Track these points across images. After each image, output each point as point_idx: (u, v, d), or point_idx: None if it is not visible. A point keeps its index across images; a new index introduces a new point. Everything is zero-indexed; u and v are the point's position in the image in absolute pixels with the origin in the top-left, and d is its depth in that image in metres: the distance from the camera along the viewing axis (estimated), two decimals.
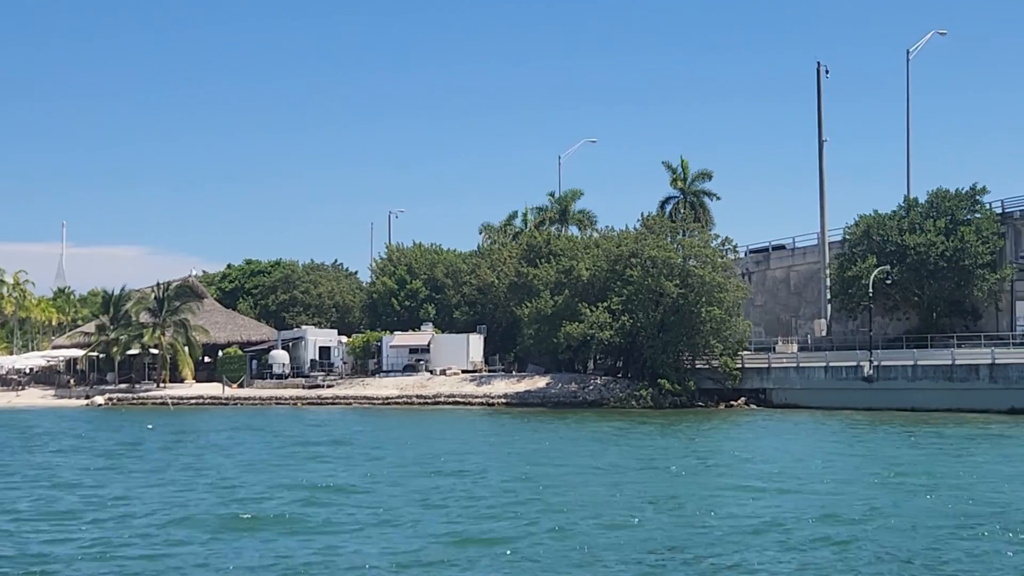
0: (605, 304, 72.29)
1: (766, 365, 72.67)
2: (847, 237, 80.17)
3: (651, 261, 72.49)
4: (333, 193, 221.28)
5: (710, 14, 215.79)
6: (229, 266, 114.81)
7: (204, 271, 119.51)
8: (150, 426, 51.51)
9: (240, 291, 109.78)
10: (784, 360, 72.77)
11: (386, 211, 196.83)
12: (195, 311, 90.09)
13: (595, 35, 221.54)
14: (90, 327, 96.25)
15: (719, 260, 73.21)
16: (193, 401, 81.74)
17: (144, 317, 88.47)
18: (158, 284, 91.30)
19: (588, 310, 72.41)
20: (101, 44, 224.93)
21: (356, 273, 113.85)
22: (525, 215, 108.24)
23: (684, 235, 75.13)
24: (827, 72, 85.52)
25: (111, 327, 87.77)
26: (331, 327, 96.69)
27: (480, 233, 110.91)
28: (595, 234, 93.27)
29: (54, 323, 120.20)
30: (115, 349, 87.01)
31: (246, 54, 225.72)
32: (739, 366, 72.46)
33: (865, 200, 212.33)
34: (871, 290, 71.63)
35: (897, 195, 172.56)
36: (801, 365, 70.93)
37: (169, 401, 79.71)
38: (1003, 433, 49.01)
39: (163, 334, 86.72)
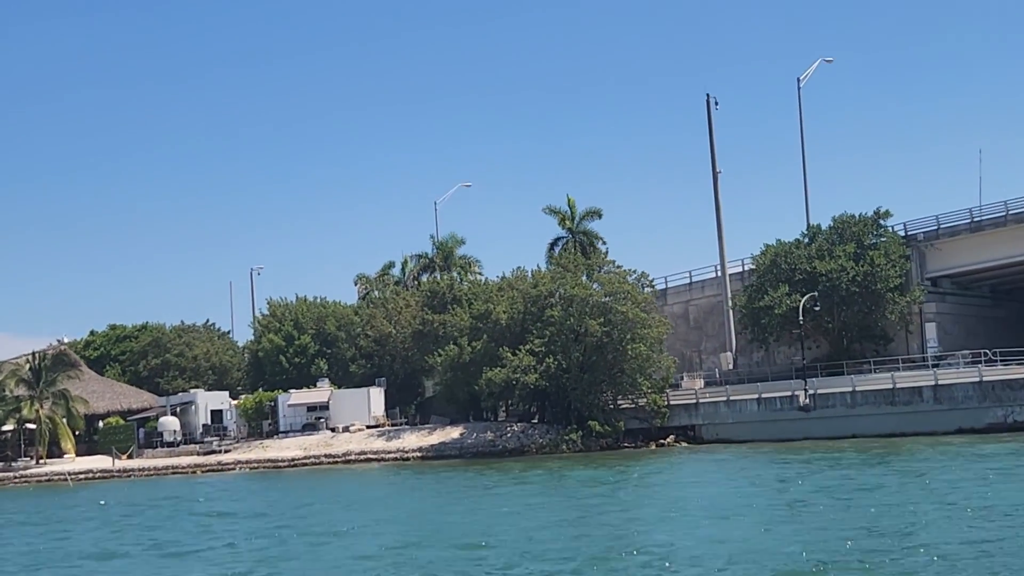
0: (527, 347, 69.90)
1: (694, 400, 71.32)
2: (755, 267, 79.62)
3: (571, 300, 70.51)
4: (181, 251, 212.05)
5: (592, 47, 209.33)
6: (92, 332, 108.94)
7: (58, 340, 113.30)
8: (102, 502, 47.02)
9: (107, 358, 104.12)
10: (713, 395, 71.44)
11: (243, 269, 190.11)
12: (74, 380, 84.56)
13: (468, 71, 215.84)
14: None
15: (639, 296, 71.53)
16: (82, 476, 76.29)
17: (19, 390, 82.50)
18: (33, 354, 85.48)
19: (510, 354, 69.91)
20: None
21: (229, 333, 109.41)
22: (404, 263, 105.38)
23: (600, 271, 73.39)
24: (716, 104, 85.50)
25: None
26: (208, 390, 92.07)
27: (356, 284, 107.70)
28: (478, 278, 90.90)
29: None
30: None
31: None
32: (666, 403, 70.92)
33: (763, 230, 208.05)
34: (801, 317, 70.82)
35: (796, 223, 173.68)
36: (732, 398, 69.73)
37: (69, 477, 74.14)
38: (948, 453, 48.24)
39: (41, 406, 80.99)
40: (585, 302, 70.22)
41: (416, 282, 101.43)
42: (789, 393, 67.40)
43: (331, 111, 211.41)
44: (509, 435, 74.06)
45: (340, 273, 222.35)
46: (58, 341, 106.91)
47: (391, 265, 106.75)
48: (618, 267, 73.46)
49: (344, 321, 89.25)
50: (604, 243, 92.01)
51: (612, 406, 71.64)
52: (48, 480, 76.23)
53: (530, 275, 77.37)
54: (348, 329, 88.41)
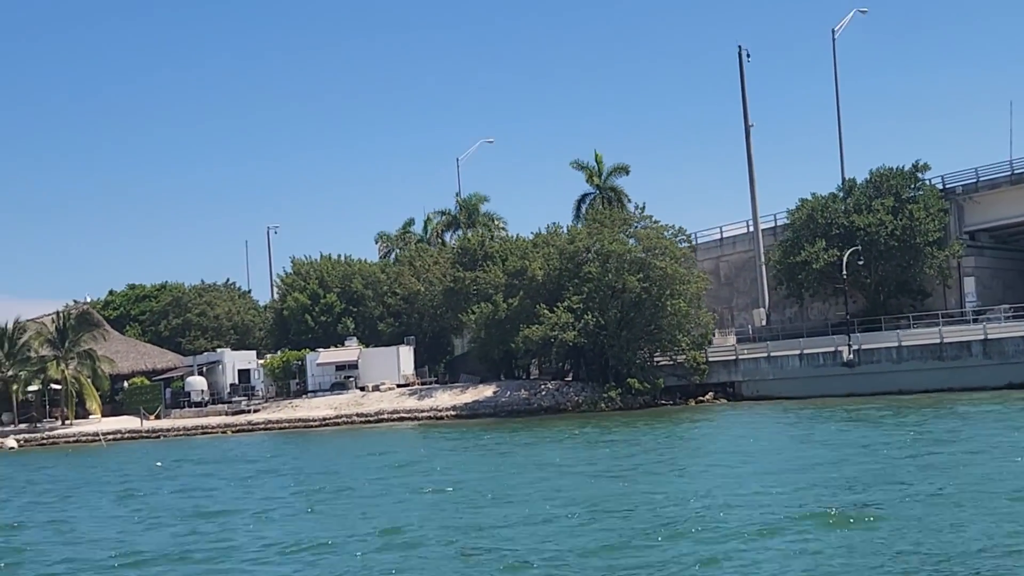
0: (564, 304, 68.79)
1: (733, 357, 70.35)
2: (789, 221, 78.49)
3: (608, 256, 69.38)
4: (196, 210, 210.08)
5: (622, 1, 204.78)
6: (111, 292, 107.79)
7: (74, 301, 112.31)
8: (159, 463, 45.89)
9: (126, 318, 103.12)
10: (752, 351, 70.47)
11: (259, 228, 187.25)
12: (98, 340, 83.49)
13: (492, 24, 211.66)
14: None
15: (677, 251, 70.41)
16: (111, 437, 75.35)
17: (44, 350, 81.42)
18: (58, 314, 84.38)
19: (547, 311, 68.83)
20: None
21: (250, 292, 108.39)
22: (427, 221, 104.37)
23: (637, 226, 72.25)
24: (748, 56, 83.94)
25: (7, 363, 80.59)
26: (233, 350, 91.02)
27: (376, 243, 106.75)
28: (501, 235, 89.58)
29: None
30: (15, 387, 79.88)
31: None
32: (705, 360, 69.97)
33: (795, 185, 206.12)
34: (844, 271, 69.76)
35: (828, 178, 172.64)
36: (772, 355, 68.71)
37: (102, 438, 73.21)
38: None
39: (67, 367, 79.92)
40: (623, 258, 69.08)
41: (439, 240, 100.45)
42: (832, 349, 66.39)
43: (349, 66, 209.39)
44: (544, 393, 73.17)
45: (358, 231, 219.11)
46: (74, 302, 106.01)
47: (411, 223, 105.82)
48: (655, 222, 72.21)
49: (371, 279, 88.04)
50: (630, 200, 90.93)
51: (650, 363, 70.66)
52: (76, 441, 75.30)
53: (565, 231, 76.22)
54: (375, 287, 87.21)
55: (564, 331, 67.91)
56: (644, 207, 73.22)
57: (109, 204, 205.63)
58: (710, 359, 70.55)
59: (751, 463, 33.01)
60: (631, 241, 71.43)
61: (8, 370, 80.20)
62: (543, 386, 74.39)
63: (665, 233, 71.66)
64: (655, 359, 71.37)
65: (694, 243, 79.78)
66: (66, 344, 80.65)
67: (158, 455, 55.81)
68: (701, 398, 69.34)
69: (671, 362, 70.72)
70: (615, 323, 68.95)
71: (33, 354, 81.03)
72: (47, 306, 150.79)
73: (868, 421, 45.95)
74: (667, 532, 21.82)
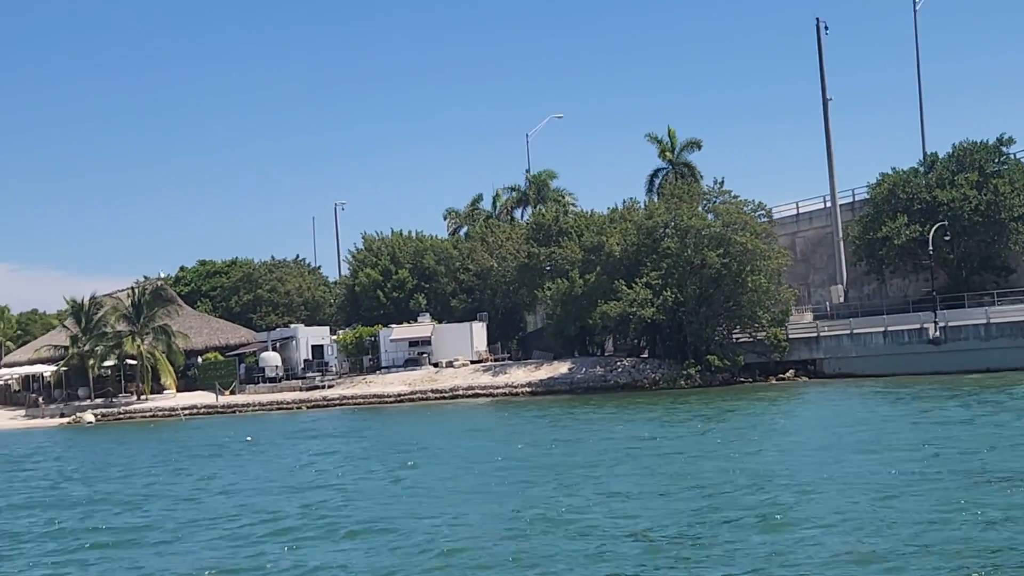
0: (643, 280, 68.05)
1: (815, 334, 69.30)
2: (869, 196, 77.17)
3: (687, 231, 68.56)
4: (264, 187, 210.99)
5: None
6: (182, 268, 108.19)
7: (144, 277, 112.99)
8: (248, 438, 45.73)
9: (197, 294, 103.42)
10: (834, 328, 69.36)
11: (326, 205, 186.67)
12: (173, 316, 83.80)
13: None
14: (58, 339, 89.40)
15: (757, 226, 69.40)
16: (187, 412, 75.60)
17: (120, 325, 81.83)
18: (133, 289, 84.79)
19: (625, 287, 68.12)
20: None
21: (320, 268, 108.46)
22: (495, 197, 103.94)
23: (716, 201, 71.35)
24: (827, 29, 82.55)
25: (84, 338, 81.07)
26: (304, 325, 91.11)
27: (445, 219, 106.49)
28: (571, 210, 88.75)
29: None
30: (91, 361, 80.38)
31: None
32: (786, 337, 69.02)
33: (873, 160, 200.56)
34: (931, 247, 68.52)
35: (907, 153, 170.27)
36: (855, 331, 67.56)
37: (182, 414, 73.49)
38: None
39: (142, 342, 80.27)
40: (702, 233, 68.24)
41: (509, 216, 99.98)
42: (917, 326, 65.14)
43: (418, 41, 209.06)
44: (620, 370, 72.53)
45: (425, 208, 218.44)
46: (144, 277, 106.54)
47: (480, 199, 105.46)
48: (734, 197, 71.24)
49: (443, 255, 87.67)
50: (702, 176, 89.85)
51: (728, 340, 69.83)
52: (152, 416, 75.64)
53: (643, 206, 75.46)
54: (447, 263, 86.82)
55: (642, 307, 67.20)
56: (723, 182, 72.24)
57: (178, 181, 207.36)
58: (792, 336, 69.52)
59: (853, 440, 32.21)
60: (709, 216, 70.54)
61: (85, 345, 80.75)
62: (619, 363, 73.74)
63: (744, 208, 70.61)
64: (733, 336, 70.52)
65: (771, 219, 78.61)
66: (141, 319, 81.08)
67: (237, 429, 55.82)
68: (782, 375, 68.40)
69: (750, 339, 69.82)
70: (694, 299, 68.16)
71: (109, 329, 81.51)
72: (117, 283, 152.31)
73: (961, 398, 44.93)
74: (772, 510, 21.22)
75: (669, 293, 67.39)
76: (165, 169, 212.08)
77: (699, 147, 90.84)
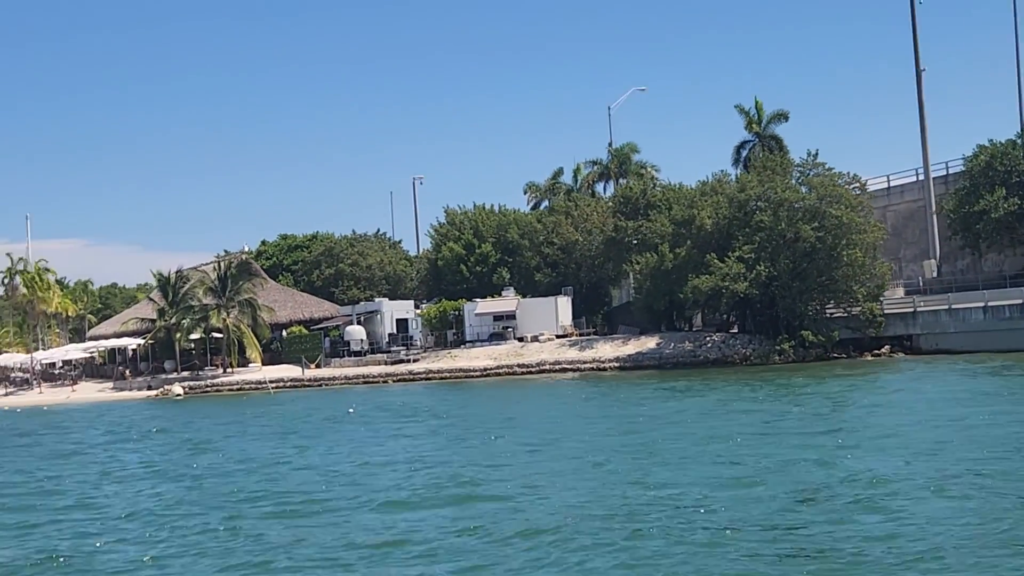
0: (735, 254, 66.94)
1: (911, 309, 67.86)
2: (965, 169, 75.46)
3: (780, 204, 67.33)
4: (341, 162, 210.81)
5: None
6: (263, 242, 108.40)
7: (225, 251, 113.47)
8: (351, 409, 45.45)
9: (279, 268, 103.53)
10: (931, 303, 67.86)
11: (403, 179, 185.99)
12: (258, 290, 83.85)
13: None
14: (143, 311, 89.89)
15: (853, 199, 67.96)
16: (274, 385, 75.66)
17: (206, 299, 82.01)
18: (219, 263, 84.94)
19: (717, 261, 67.05)
20: (66, 42, 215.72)
21: (401, 242, 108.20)
22: (576, 171, 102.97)
23: (809, 174, 69.98)
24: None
25: (171, 311, 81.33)
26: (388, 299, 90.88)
27: (525, 193, 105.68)
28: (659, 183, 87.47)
29: (70, 315, 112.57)
30: (178, 334, 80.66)
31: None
32: (881, 312, 67.63)
33: (966, 133, 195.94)
34: None
35: (1003, 125, 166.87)
36: (954, 307, 66.05)
37: (269, 386, 73.56)
38: None
39: (228, 315, 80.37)
40: (796, 206, 67.02)
41: (590, 190, 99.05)
42: (1020, 301, 63.49)
43: (498, 14, 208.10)
44: (709, 345, 71.57)
45: (503, 182, 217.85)
46: (224, 251, 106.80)
47: (561, 172, 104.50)
48: (828, 169, 69.82)
49: (527, 229, 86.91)
50: (789, 149, 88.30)
51: (821, 315, 68.61)
52: (240, 389, 75.79)
53: (734, 179, 74.28)
54: (531, 237, 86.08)
55: (735, 282, 66.10)
56: (816, 153, 70.83)
57: (256, 155, 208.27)
58: (887, 311, 68.12)
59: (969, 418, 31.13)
60: (803, 189, 69.26)
61: (171, 318, 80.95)
62: (708, 338, 72.75)
63: (839, 181, 69.18)
64: (826, 311, 69.27)
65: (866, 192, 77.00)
66: (227, 293, 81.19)
67: (331, 402, 55.60)
68: (876, 351, 67.07)
69: (844, 314, 68.47)
70: (787, 274, 66.96)
71: (195, 303, 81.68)
72: (193, 259, 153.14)
73: None
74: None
75: (762, 267, 66.25)
76: (242, 143, 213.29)
77: (786, 119, 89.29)
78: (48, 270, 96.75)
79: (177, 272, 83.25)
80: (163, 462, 31.99)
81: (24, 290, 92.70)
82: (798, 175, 70.62)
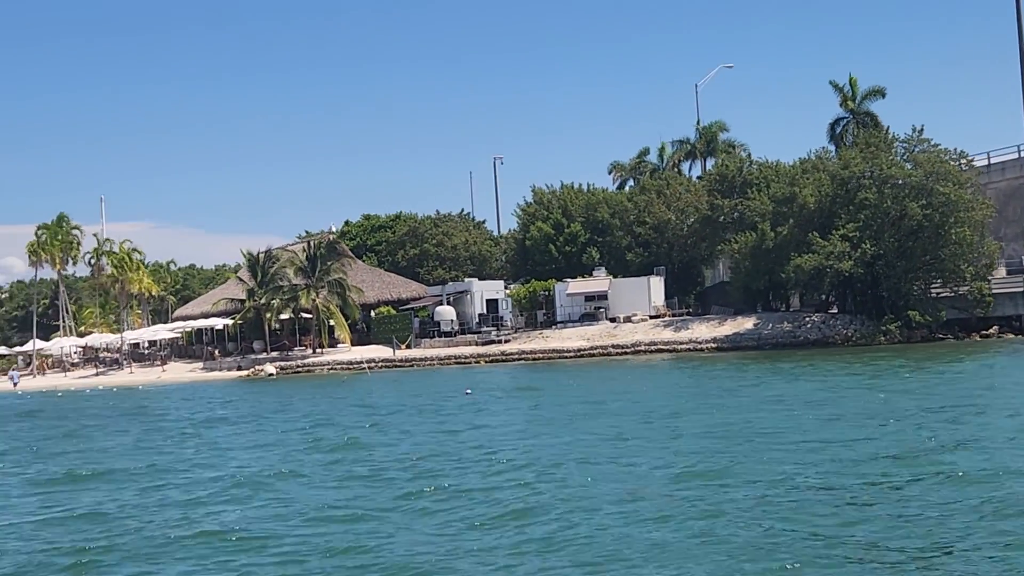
0: (840, 232, 65.39)
1: (1021, 289, 66.05)
2: None
3: (886, 181, 65.68)
4: (421, 142, 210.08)
5: None
6: (347, 223, 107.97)
7: (308, 231, 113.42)
8: (468, 391, 44.56)
9: (362, 248, 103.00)
10: None
11: (482, 159, 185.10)
12: (347, 270, 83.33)
13: None
14: (230, 291, 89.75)
15: (961, 176, 66.17)
16: (366, 365, 75.13)
17: (296, 279, 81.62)
18: (308, 243, 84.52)
19: (820, 240, 65.54)
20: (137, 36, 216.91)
21: (484, 222, 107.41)
22: (660, 150, 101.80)
23: (915, 150, 68.21)
24: None
25: (260, 291, 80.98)
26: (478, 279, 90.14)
27: (610, 172, 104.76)
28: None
29: (153, 295, 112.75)
30: (268, 315, 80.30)
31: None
32: (990, 291, 65.88)
33: None
34: None
35: None
36: None
37: (367, 367, 73.04)
38: None
39: (317, 295, 79.89)
40: (901, 183, 65.35)
41: (676, 169, 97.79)
42: None
43: None
44: (809, 326, 70.20)
45: (584, 161, 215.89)
46: (305, 232, 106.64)
47: (646, 152, 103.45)
48: (934, 145, 68.02)
49: (618, 208, 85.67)
50: (888, 127, 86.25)
51: (926, 295, 66.97)
52: (331, 369, 75.34)
53: (835, 155, 72.67)
54: (622, 216, 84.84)
55: (839, 261, 64.59)
56: (922, 129, 68.99)
57: (340, 137, 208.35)
58: (995, 291, 66.36)
59: None
60: (907, 165, 67.55)
61: (261, 298, 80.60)
62: (807, 318, 71.34)
63: (944, 157, 67.37)
64: (930, 291, 67.62)
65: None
66: (316, 273, 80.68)
67: (433, 383, 54.78)
68: (984, 332, 65.36)
69: (951, 294, 66.77)
70: (892, 252, 65.37)
71: (285, 283, 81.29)
72: (263, 241, 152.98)
73: None
74: None
75: (867, 246, 64.68)
76: (312, 126, 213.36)
77: (883, 95, 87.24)
78: (136, 250, 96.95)
79: (266, 252, 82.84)
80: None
81: (112, 270, 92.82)
82: (902, 151, 68.86)
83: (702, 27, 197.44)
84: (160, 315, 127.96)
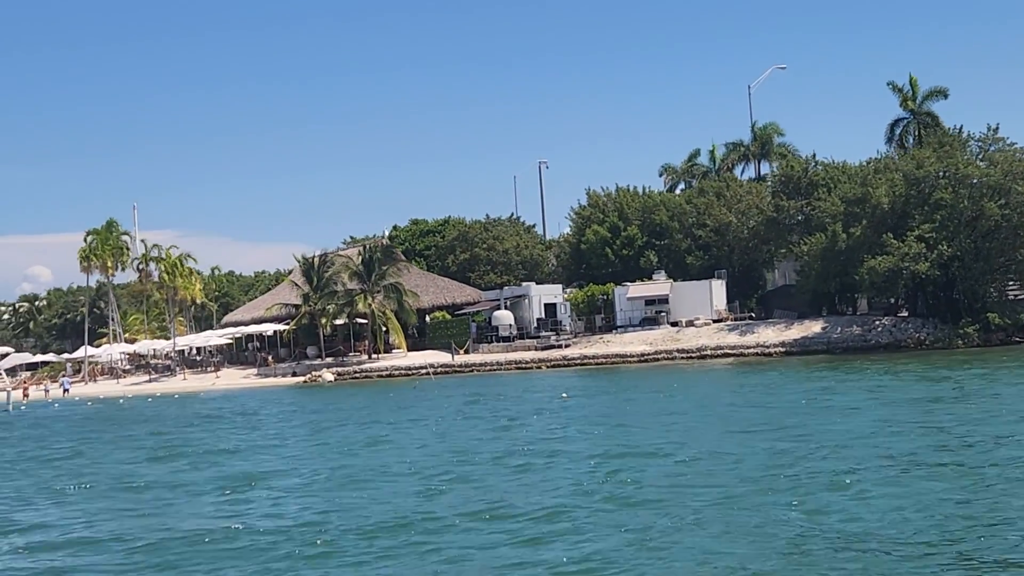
0: (915, 233, 63.94)
1: None
2: None
3: (962, 181, 64.24)
4: (465, 147, 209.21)
5: None
6: (395, 228, 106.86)
7: (352, 237, 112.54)
8: (564, 395, 43.28)
9: (411, 253, 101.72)
10: None
11: (526, 163, 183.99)
12: (402, 274, 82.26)
13: None
14: (283, 296, 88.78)
15: None
16: (423, 371, 73.95)
17: (351, 284, 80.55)
18: (364, 247, 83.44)
19: (895, 241, 64.09)
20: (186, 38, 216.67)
21: (535, 227, 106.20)
22: (711, 152, 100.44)
23: (989, 149, 66.74)
24: None
25: (315, 296, 79.93)
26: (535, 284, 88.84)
27: (661, 175, 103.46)
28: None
29: (197, 302, 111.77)
30: (324, 320, 79.23)
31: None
32: None
33: None
34: None
35: None
36: None
37: (430, 372, 71.88)
38: None
39: (373, 300, 78.81)
40: (977, 183, 63.89)
41: (729, 172, 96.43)
42: None
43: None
44: (879, 329, 68.69)
45: (627, 164, 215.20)
46: (351, 238, 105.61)
47: (697, 154, 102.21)
48: (1010, 144, 66.55)
49: (676, 211, 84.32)
50: (950, 128, 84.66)
51: (1003, 297, 65.48)
52: (389, 375, 74.22)
53: (910, 155, 71.21)
54: (680, 219, 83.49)
55: (915, 262, 63.11)
56: (997, 128, 67.51)
57: (385, 143, 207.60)
58: None
59: None
60: (981, 165, 66.10)
61: (316, 303, 79.56)
62: (876, 322, 69.85)
63: (1022, 156, 65.85)
64: (1006, 293, 66.14)
65: None
66: (372, 277, 79.63)
67: (513, 388, 53.55)
68: None
69: None
70: (970, 253, 63.89)
71: (339, 288, 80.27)
72: (292, 249, 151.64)
73: None
74: None
75: (944, 247, 63.23)
76: (369, 127, 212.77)
77: (945, 96, 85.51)
78: (189, 256, 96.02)
79: (321, 256, 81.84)
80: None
81: (164, 276, 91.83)
82: (977, 150, 67.41)
83: (749, 30, 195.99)
84: (200, 322, 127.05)
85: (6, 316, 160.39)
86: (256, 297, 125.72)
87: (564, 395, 42.99)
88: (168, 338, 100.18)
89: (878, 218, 66.48)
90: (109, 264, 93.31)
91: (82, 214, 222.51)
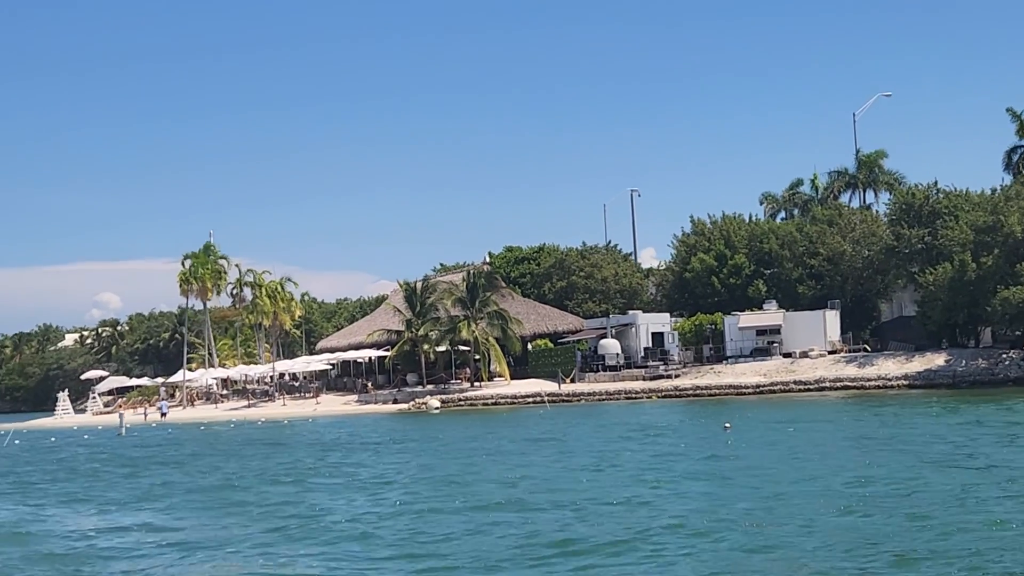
0: None
1: None
2: None
3: None
4: (554, 174, 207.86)
5: None
6: (490, 255, 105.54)
7: (442, 264, 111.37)
8: (727, 424, 41.33)
9: (506, 280, 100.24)
10: None
11: (611, 192, 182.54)
12: (506, 301, 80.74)
13: None
14: (382, 322, 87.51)
15: None
16: (530, 400, 72.25)
17: (454, 310, 79.09)
18: (468, 272, 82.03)
19: None
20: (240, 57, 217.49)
21: (631, 255, 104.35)
22: (813, 179, 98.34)
23: None
24: None
25: (417, 322, 78.52)
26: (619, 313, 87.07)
27: (761, 204, 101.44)
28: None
29: (286, 328, 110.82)
30: (425, 347, 77.75)
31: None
32: None
33: None
34: None
35: None
36: None
37: (546, 400, 70.14)
38: None
39: (476, 327, 77.25)
40: None
41: (835, 200, 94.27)
42: None
43: (718, 23, 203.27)
44: (1007, 363, 65.99)
45: (721, 193, 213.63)
46: (441, 265, 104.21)
47: (799, 183, 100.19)
48: None
49: (786, 239, 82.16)
50: None
51: None
52: (495, 403, 72.56)
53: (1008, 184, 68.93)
54: (791, 247, 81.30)
55: None
56: None
57: (474, 171, 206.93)
58: None
59: None
60: None
61: (419, 329, 78.13)
62: (1003, 355, 67.20)
63: None
64: None
65: None
66: (476, 304, 78.12)
67: (648, 418, 51.58)
68: None
69: None
70: None
71: (443, 314, 78.84)
72: (351, 279, 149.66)
73: None
74: None
75: None
76: (458, 155, 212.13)
77: None
78: (290, 280, 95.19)
79: (423, 281, 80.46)
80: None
81: (263, 300, 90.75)
82: None
83: (848, 57, 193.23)
84: (285, 347, 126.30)
85: (89, 340, 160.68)
86: (340, 324, 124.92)
87: (727, 425, 40.95)
88: (255, 363, 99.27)
89: (1010, 247, 64.06)
90: (209, 287, 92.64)
91: (153, 242, 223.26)
